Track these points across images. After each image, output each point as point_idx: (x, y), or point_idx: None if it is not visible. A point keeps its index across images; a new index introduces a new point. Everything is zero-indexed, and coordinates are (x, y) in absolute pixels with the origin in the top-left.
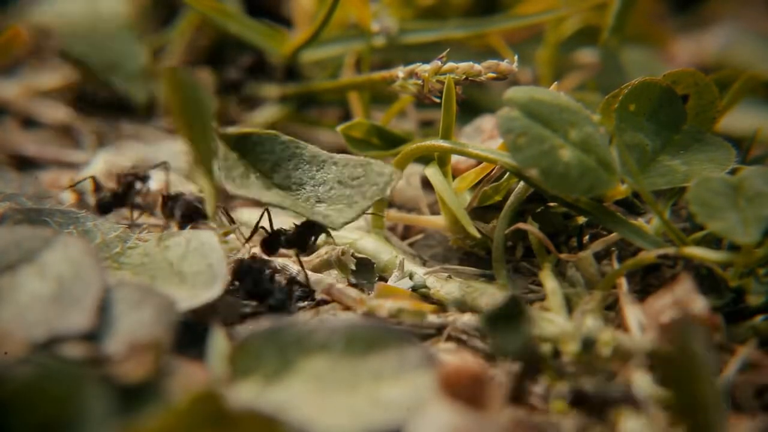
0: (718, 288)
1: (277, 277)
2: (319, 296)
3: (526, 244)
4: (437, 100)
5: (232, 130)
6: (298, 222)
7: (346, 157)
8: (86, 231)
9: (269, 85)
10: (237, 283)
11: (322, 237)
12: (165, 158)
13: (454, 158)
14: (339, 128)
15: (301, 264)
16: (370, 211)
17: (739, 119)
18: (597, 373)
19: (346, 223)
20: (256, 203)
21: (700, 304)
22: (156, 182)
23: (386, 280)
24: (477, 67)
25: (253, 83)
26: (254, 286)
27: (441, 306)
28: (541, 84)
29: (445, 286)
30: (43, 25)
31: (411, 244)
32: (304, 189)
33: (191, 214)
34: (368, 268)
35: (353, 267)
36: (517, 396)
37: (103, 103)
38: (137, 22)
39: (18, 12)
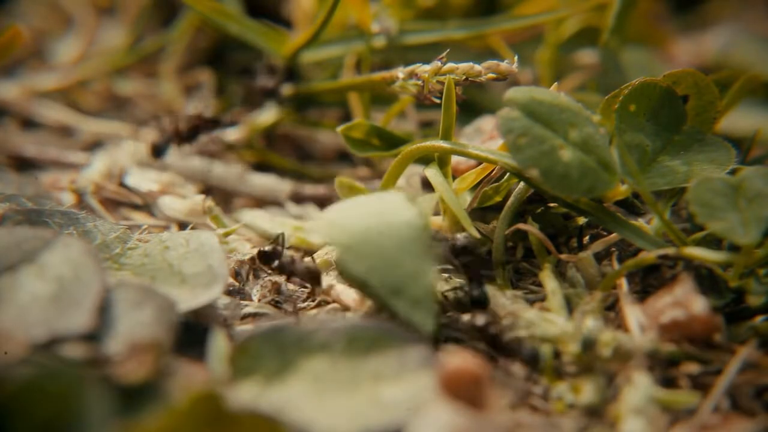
0: (718, 288)
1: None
2: (319, 297)
3: (526, 244)
4: (437, 101)
5: None
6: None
7: None
8: (86, 232)
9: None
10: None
11: None
12: (165, 158)
13: (455, 159)
14: (339, 129)
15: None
16: None
17: (739, 120)
18: (597, 374)
19: None
20: (257, 203)
21: (700, 305)
22: (151, 182)
23: None
24: (477, 67)
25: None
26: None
27: (441, 306)
28: (541, 84)
29: (445, 286)
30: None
31: None
32: None
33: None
34: None
35: None
36: None
37: None
38: (425, 232)
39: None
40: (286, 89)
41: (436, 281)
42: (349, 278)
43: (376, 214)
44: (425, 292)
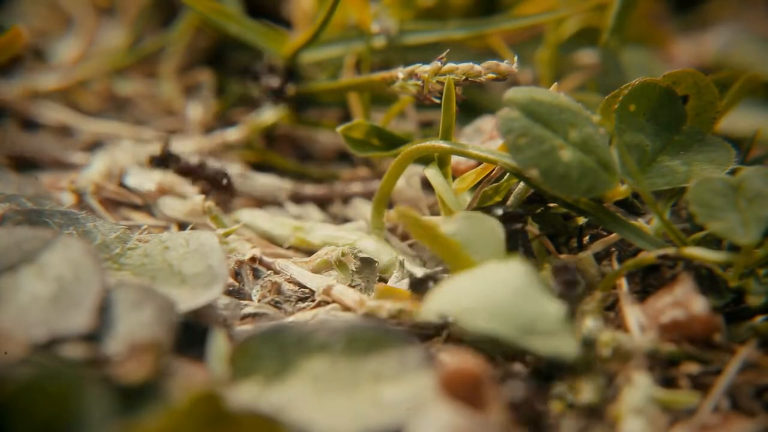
0: (718, 288)
1: None
2: (319, 297)
3: (526, 244)
4: (437, 101)
5: None
6: None
7: None
8: (86, 232)
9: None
10: None
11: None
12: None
13: (454, 159)
14: (339, 129)
15: None
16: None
17: (739, 120)
18: (597, 374)
19: None
20: (257, 203)
21: (700, 305)
22: (151, 182)
23: (386, 281)
24: (477, 67)
25: (253, 84)
26: None
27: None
28: (541, 85)
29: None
30: (446, 313)
31: (411, 245)
32: None
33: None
34: (371, 267)
35: (354, 268)
36: None
37: None
38: (535, 275)
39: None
40: (288, 89)
41: (563, 310)
42: (474, 338)
43: (484, 276)
44: (556, 322)
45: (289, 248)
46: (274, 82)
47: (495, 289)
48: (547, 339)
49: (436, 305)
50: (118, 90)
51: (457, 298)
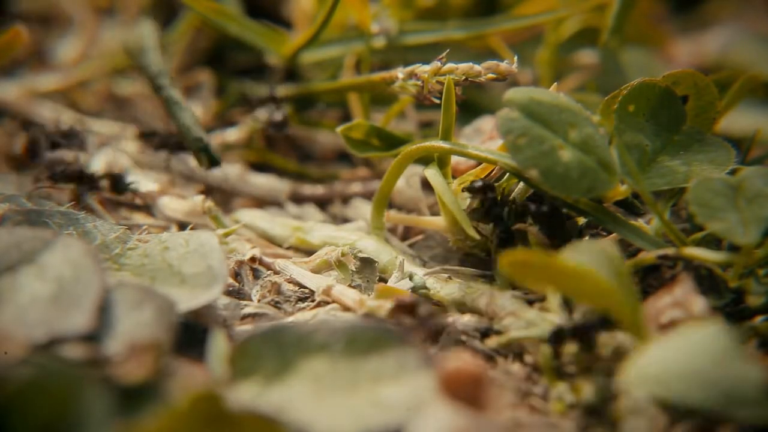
0: (718, 288)
1: None
2: (319, 297)
3: (526, 244)
4: (437, 101)
5: None
6: None
7: None
8: (86, 232)
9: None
10: None
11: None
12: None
13: (454, 159)
14: (339, 129)
15: None
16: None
17: (738, 120)
18: (597, 374)
19: None
20: (257, 203)
21: (699, 305)
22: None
23: (386, 281)
24: (477, 67)
25: (253, 84)
26: None
27: (441, 307)
28: (540, 85)
29: (445, 287)
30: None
31: (411, 245)
32: None
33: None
34: (371, 267)
35: (354, 268)
36: None
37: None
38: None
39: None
40: (286, 90)
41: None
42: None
43: (682, 344)
44: (757, 390)
45: (288, 248)
46: (278, 115)
47: (695, 359)
48: (752, 409)
49: (645, 386)
50: (118, 90)
51: (661, 374)
